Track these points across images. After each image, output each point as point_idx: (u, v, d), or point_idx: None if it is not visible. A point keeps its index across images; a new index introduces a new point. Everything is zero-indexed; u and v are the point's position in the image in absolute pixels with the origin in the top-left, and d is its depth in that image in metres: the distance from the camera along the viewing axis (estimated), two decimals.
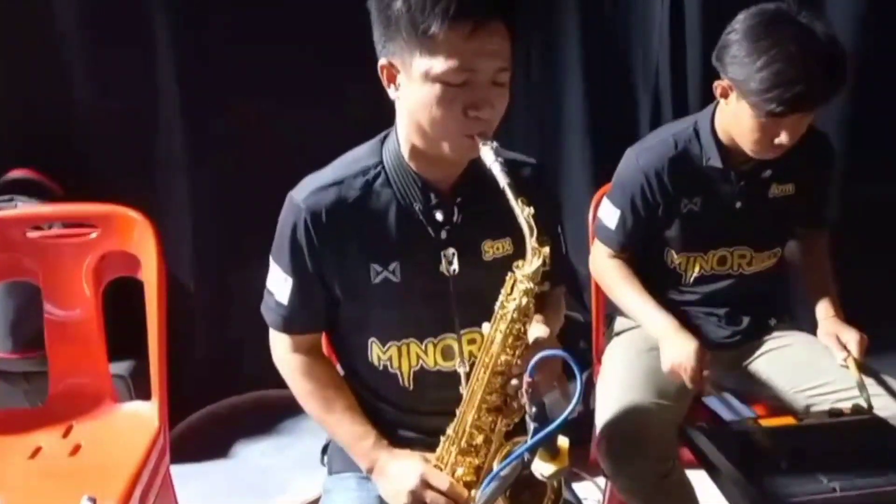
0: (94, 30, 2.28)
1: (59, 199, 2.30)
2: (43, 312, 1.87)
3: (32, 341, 2.14)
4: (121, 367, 2.26)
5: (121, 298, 1.92)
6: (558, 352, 1.07)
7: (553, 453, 1.07)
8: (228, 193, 2.46)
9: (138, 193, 2.35)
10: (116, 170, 2.39)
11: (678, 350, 1.67)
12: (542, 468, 1.07)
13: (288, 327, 1.37)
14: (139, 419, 1.82)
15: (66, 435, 1.80)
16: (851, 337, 1.72)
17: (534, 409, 1.03)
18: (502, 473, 1.09)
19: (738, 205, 1.77)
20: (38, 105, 2.35)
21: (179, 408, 2.24)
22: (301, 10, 2.34)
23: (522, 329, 1.20)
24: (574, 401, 0.97)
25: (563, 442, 1.08)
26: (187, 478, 2.25)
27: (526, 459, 1.05)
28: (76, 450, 1.76)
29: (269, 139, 2.43)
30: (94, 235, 1.84)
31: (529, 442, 1.01)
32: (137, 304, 1.81)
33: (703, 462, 1.57)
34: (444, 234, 1.30)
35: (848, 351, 1.71)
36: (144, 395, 1.88)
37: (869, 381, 1.68)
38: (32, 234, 1.88)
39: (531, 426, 1.04)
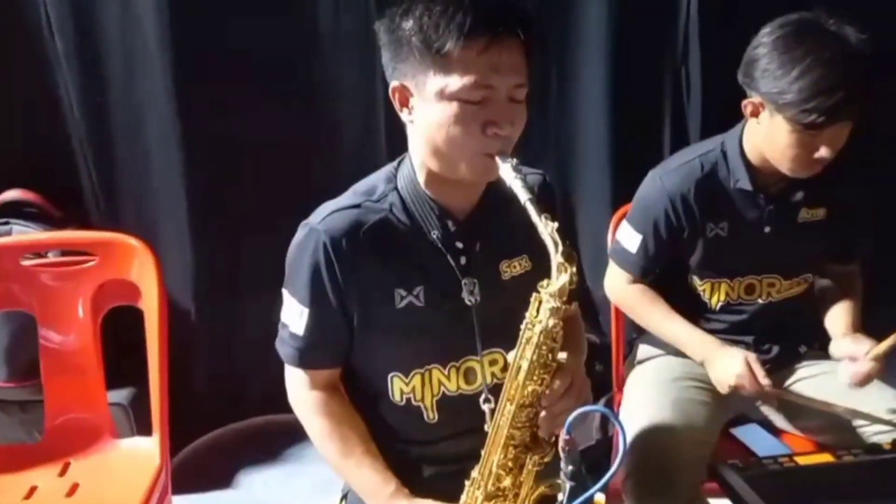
0: (93, 51, 2.20)
1: (57, 222, 2.22)
2: (38, 339, 1.79)
3: (28, 370, 2.05)
4: (120, 396, 2.19)
5: (119, 323, 1.85)
6: (599, 408, 1.00)
7: None
8: (229, 219, 2.39)
9: (138, 218, 2.32)
10: (116, 193, 2.33)
11: (729, 364, 1.60)
12: None
13: (304, 361, 1.31)
14: (140, 456, 1.74)
15: (62, 473, 1.73)
16: (862, 359, 1.61)
17: (570, 468, 0.96)
18: None
19: (767, 230, 1.69)
20: (34, 124, 2.28)
21: (181, 436, 2.16)
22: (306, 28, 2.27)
23: (550, 356, 1.15)
24: (618, 463, 0.90)
25: (598, 498, 1.01)
26: None
27: None
28: (73, 490, 1.68)
29: (272, 164, 2.35)
30: (92, 264, 1.77)
31: None
32: (136, 328, 1.74)
33: (736, 501, 1.49)
34: (463, 261, 1.27)
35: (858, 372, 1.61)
36: (145, 423, 1.81)
37: None
38: (27, 263, 1.80)
39: (567, 485, 0.97)
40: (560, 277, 1.10)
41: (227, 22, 2.21)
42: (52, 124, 2.27)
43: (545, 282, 1.13)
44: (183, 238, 2.33)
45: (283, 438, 2.48)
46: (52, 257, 1.98)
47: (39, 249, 1.92)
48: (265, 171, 2.36)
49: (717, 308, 1.77)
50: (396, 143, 1.37)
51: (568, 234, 1.37)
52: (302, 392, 1.34)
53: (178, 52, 2.17)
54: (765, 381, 1.58)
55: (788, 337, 1.80)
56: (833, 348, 1.72)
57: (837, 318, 1.77)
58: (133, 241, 1.74)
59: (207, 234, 2.36)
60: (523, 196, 1.12)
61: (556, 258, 1.10)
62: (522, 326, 1.15)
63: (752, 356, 1.61)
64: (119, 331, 1.87)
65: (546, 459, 1.19)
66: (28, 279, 1.78)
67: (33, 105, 2.27)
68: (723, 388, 1.62)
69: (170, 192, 2.31)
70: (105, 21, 2.18)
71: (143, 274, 1.73)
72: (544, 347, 1.14)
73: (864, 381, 1.62)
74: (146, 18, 2.16)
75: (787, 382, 1.79)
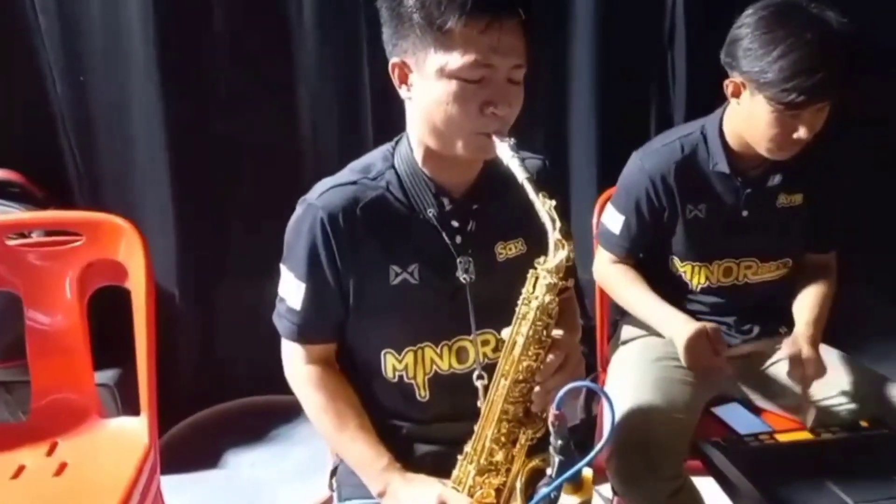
0: (76, 30, 2.19)
1: (40, 203, 2.21)
2: (24, 319, 1.78)
3: (13, 349, 2.03)
4: (106, 377, 2.19)
5: (105, 304, 1.84)
6: (588, 383, 1.02)
7: (577, 485, 1.03)
8: (213, 202, 2.39)
9: (121, 200, 2.30)
10: (99, 175, 2.32)
11: (692, 340, 1.62)
12: (567, 501, 1.02)
13: (301, 335, 1.32)
14: (128, 436, 1.74)
15: (50, 453, 1.72)
16: (811, 359, 1.64)
17: (559, 443, 0.98)
18: None
19: (745, 213, 1.72)
20: (16, 104, 2.27)
21: (167, 417, 2.16)
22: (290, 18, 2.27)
23: (545, 332, 1.16)
24: (607, 435, 0.92)
25: (586, 472, 1.04)
26: (177, 489, 2.18)
27: (553, 497, 0.99)
28: (62, 469, 1.67)
29: (257, 150, 2.36)
30: (79, 244, 1.75)
31: (557, 481, 0.96)
32: (122, 309, 1.73)
33: (718, 478, 1.53)
34: (458, 240, 1.28)
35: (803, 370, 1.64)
36: (131, 405, 1.80)
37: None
38: (12, 243, 1.79)
39: (556, 459, 0.99)
40: (557, 254, 1.12)
41: (212, 4, 2.20)
42: (35, 104, 2.26)
43: (542, 258, 1.15)
44: (167, 221, 2.33)
45: (270, 419, 2.51)
46: (35, 237, 1.97)
47: (26, 229, 1.90)
48: (250, 157, 2.36)
49: (699, 290, 1.79)
50: (383, 134, 1.37)
51: (566, 215, 1.39)
52: (298, 366, 1.35)
53: (162, 34, 2.16)
54: (722, 352, 1.61)
55: (769, 318, 1.82)
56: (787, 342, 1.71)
57: (801, 309, 1.78)
58: (120, 221, 1.73)
59: (191, 218, 2.36)
60: (521, 175, 1.13)
61: (553, 235, 1.11)
62: (519, 302, 1.17)
63: (711, 326, 1.62)
64: (103, 312, 1.86)
65: (538, 434, 1.21)
66: (13, 259, 1.76)
67: (15, 85, 2.25)
68: (686, 364, 1.64)
69: (154, 174, 2.30)
70: (88, 1, 2.17)
71: (130, 254, 1.72)
72: (539, 323, 1.15)
73: (804, 383, 1.65)
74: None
75: (768, 362, 1.82)
